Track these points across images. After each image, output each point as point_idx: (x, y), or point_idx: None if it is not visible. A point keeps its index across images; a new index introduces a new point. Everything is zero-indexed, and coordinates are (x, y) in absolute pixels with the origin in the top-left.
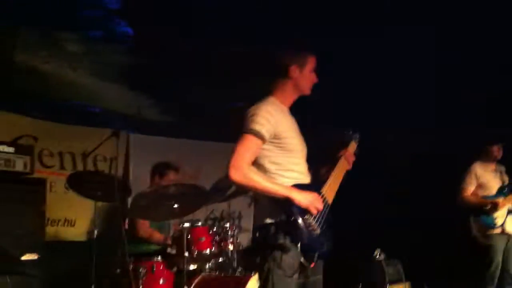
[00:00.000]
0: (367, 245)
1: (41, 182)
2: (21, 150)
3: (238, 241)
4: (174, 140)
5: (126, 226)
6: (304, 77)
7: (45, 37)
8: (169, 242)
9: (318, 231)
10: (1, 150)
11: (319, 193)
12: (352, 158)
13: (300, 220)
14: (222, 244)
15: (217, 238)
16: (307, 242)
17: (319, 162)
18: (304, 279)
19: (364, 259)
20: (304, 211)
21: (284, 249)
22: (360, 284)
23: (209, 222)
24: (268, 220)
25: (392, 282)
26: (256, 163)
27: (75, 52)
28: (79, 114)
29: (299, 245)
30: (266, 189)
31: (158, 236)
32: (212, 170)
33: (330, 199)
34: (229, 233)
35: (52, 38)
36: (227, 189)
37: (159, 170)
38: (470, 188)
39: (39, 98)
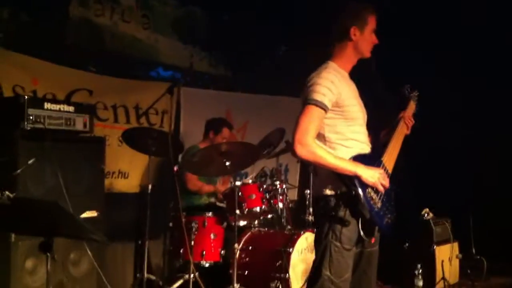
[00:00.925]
0: (416, 205)
1: (101, 141)
2: (81, 109)
3: (288, 198)
4: (223, 93)
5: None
6: (364, 38)
7: None
8: (219, 192)
9: (379, 204)
10: (61, 109)
11: (380, 162)
12: (411, 122)
13: (361, 194)
14: (272, 201)
15: (267, 195)
16: (368, 217)
17: (378, 124)
18: (361, 249)
19: (412, 219)
20: (366, 185)
21: (344, 223)
22: (407, 243)
23: (260, 179)
24: (328, 192)
25: (440, 242)
26: (319, 134)
27: (128, 5)
28: (132, 67)
29: (359, 219)
30: (332, 165)
31: (207, 188)
32: (259, 123)
33: (390, 168)
34: (279, 190)
35: None
36: (276, 144)
37: (215, 126)
38: None
39: (93, 51)
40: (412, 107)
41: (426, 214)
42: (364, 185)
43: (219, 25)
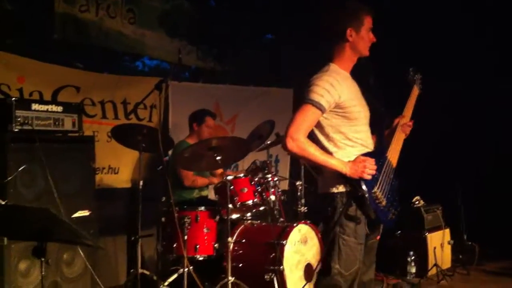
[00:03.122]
0: (408, 192)
1: (90, 140)
2: (69, 108)
3: (279, 191)
4: (212, 86)
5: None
6: (361, 38)
7: None
8: (213, 183)
9: (384, 202)
10: (50, 109)
11: (385, 157)
12: (408, 128)
13: (367, 195)
14: (264, 194)
15: (259, 188)
16: (374, 217)
17: (383, 121)
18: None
19: (404, 207)
20: (371, 183)
21: (355, 220)
22: (399, 231)
23: (251, 172)
24: (335, 190)
25: (431, 229)
26: (323, 133)
27: (113, 0)
28: (118, 62)
29: (365, 218)
30: (319, 162)
31: (201, 180)
32: (248, 115)
33: (394, 163)
34: (271, 183)
35: None
36: (266, 137)
37: (197, 118)
38: None
39: (79, 47)
40: (415, 92)
41: (417, 202)
42: (370, 185)
43: (206, 17)
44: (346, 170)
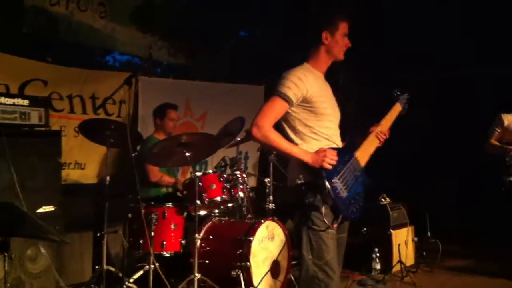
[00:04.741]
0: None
1: (57, 134)
2: (35, 102)
3: (248, 188)
4: (182, 82)
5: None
6: (336, 42)
7: None
8: (179, 184)
9: (345, 194)
10: (16, 103)
11: (352, 155)
12: (383, 136)
13: (326, 183)
14: (233, 191)
15: (227, 185)
16: (333, 205)
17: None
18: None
19: (369, 204)
20: (332, 174)
21: (315, 207)
22: (365, 228)
23: (220, 169)
24: (299, 181)
25: (396, 226)
26: (289, 125)
27: None
28: (88, 57)
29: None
30: (282, 149)
31: (167, 179)
32: (218, 112)
33: (363, 163)
34: (239, 180)
35: None
36: (236, 134)
37: (159, 112)
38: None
39: (49, 41)
40: (397, 108)
41: (383, 199)
42: (331, 175)
43: (178, 13)
44: (307, 158)
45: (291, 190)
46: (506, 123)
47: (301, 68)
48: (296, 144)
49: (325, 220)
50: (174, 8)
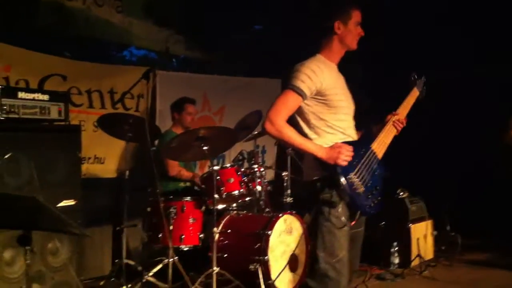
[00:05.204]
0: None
1: (76, 129)
2: (55, 97)
3: (265, 181)
4: (200, 76)
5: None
6: (349, 32)
7: None
8: (197, 178)
9: (361, 189)
10: (36, 97)
11: (368, 148)
12: (401, 125)
13: (342, 179)
14: (250, 184)
15: (245, 179)
16: (349, 201)
17: (373, 120)
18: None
19: (388, 197)
20: (348, 169)
21: (331, 204)
22: (383, 222)
23: (238, 162)
24: (315, 177)
25: (415, 220)
26: (304, 119)
27: None
28: (105, 52)
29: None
30: (296, 145)
31: (186, 173)
32: (236, 106)
33: (380, 155)
34: (257, 173)
35: None
36: (253, 127)
37: (176, 107)
38: None
39: (67, 36)
40: (414, 93)
41: (401, 193)
42: (347, 170)
43: (195, 7)
44: (321, 153)
45: (306, 185)
46: None
47: (314, 59)
48: (310, 138)
49: (342, 218)
50: (190, 2)
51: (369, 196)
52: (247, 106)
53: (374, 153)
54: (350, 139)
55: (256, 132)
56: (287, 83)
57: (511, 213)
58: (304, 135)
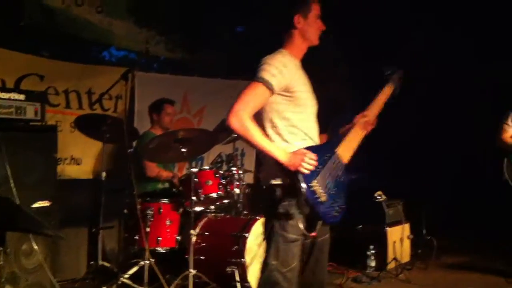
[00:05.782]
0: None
1: (53, 129)
2: (32, 97)
3: (244, 184)
4: (180, 77)
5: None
6: (309, 25)
7: None
8: (176, 179)
9: (324, 198)
10: (11, 97)
11: (333, 153)
12: (370, 126)
13: (303, 188)
14: (229, 187)
15: (223, 181)
16: (311, 211)
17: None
18: (312, 239)
19: (365, 201)
20: (311, 177)
21: (288, 215)
22: (360, 225)
23: (216, 165)
24: (273, 181)
25: (392, 223)
26: (266, 117)
27: None
28: (85, 52)
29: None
30: (259, 145)
31: (165, 174)
32: (216, 107)
33: (346, 159)
34: (235, 176)
35: None
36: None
37: (155, 107)
38: (510, 130)
39: (45, 35)
40: (387, 91)
41: (379, 196)
42: (309, 178)
43: (176, 8)
44: (283, 159)
45: (264, 190)
46: None
47: (282, 54)
48: (271, 138)
49: (299, 227)
50: (171, 3)
51: (332, 205)
52: (227, 108)
53: (340, 158)
54: (312, 142)
55: (235, 135)
56: (255, 75)
57: (487, 216)
58: (266, 133)
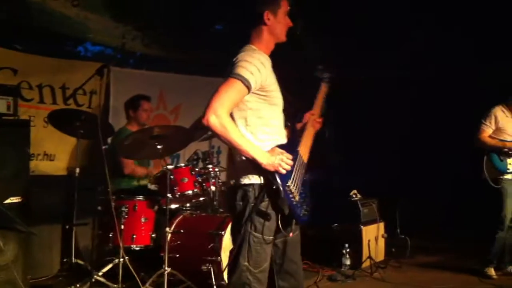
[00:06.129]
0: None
1: (25, 124)
2: (4, 91)
3: (220, 182)
4: (156, 73)
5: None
6: (278, 22)
7: None
8: (152, 175)
9: (297, 197)
10: None
11: (297, 151)
12: (318, 124)
13: (281, 189)
14: (204, 184)
15: (199, 178)
16: (287, 212)
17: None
18: (284, 238)
19: (341, 200)
20: (286, 177)
21: (265, 216)
22: (336, 224)
23: (192, 162)
24: (247, 181)
25: (367, 222)
26: (241, 115)
27: None
28: (60, 46)
29: (279, 212)
30: (236, 143)
31: (140, 170)
32: (193, 105)
33: (305, 158)
34: (211, 173)
35: None
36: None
37: (132, 104)
38: (488, 130)
39: (19, 28)
40: (323, 90)
41: (354, 195)
42: (284, 179)
43: (154, 3)
44: (263, 160)
45: (234, 189)
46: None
47: (257, 51)
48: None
49: (272, 229)
50: None
51: (303, 204)
52: (204, 105)
53: (301, 157)
54: (282, 141)
55: (211, 132)
56: (232, 72)
57: (460, 216)
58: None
